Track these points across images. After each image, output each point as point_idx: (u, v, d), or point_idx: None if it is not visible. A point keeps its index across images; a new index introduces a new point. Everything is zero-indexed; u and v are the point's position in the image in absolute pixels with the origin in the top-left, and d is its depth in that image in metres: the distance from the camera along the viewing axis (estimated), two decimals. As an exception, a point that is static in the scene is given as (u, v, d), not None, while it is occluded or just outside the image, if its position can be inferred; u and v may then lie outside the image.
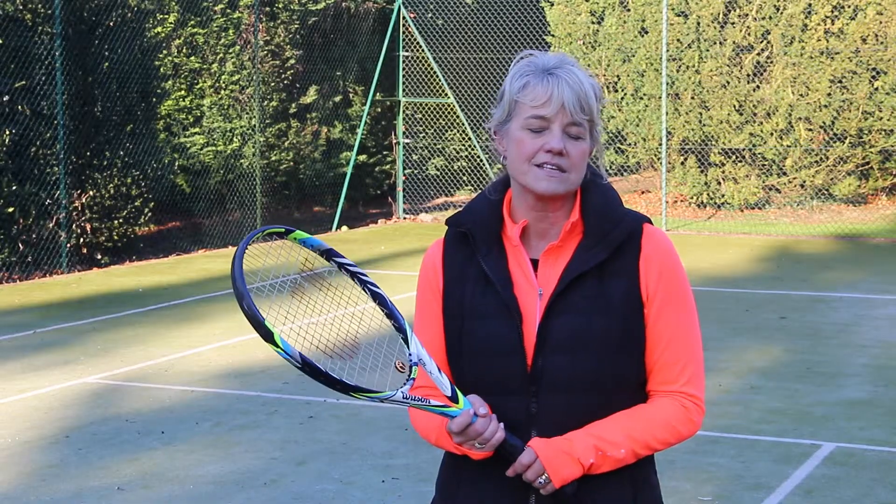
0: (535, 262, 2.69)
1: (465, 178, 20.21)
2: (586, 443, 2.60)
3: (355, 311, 2.73)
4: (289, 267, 2.85)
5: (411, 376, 2.58)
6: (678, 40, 17.89)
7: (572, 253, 2.66)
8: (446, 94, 18.85)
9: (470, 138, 19.32)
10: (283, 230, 2.58)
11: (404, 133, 19.43)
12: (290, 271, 2.85)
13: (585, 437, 2.60)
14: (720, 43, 17.80)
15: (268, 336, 2.46)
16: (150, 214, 15.48)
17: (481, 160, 19.25)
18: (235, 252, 2.52)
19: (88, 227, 14.40)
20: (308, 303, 2.75)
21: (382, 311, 2.63)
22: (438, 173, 19.87)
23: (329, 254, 2.63)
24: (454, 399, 2.56)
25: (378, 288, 2.63)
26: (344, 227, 17.95)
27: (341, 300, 2.73)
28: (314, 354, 2.54)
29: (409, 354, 2.59)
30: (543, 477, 2.58)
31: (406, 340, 2.60)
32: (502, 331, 2.64)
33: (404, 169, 19.35)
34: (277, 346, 2.46)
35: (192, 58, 17.29)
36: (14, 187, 13.57)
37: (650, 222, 2.72)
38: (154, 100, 15.89)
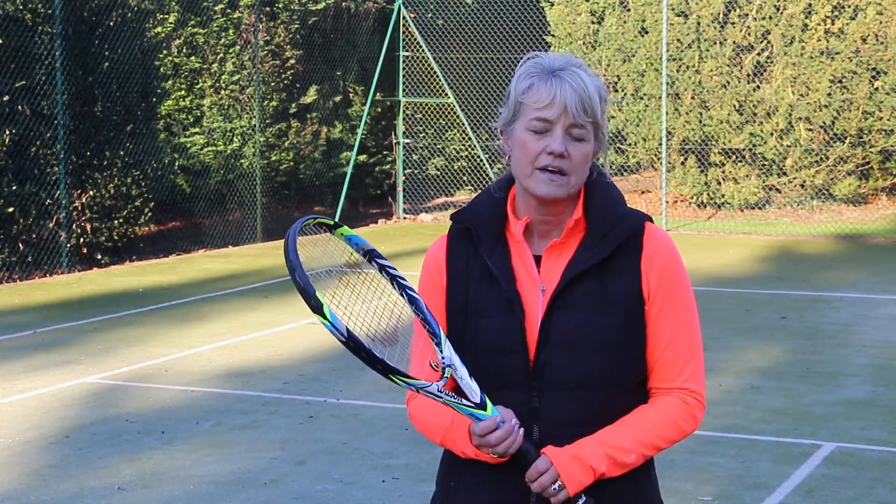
0: (538, 259, 2.70)
1: (465, 178, 20.21)
2: (598, 451, 2.61)
3: (395, 308, 2.75)
4: (335, 257, 2.86)
5: (445, 376, 2.59)
6: (678, 40, 17.89)
7: (575, 250, 2.68)
8: (446, 94, 18.85)
9: (470, 138, 19.32)
10: (333, 223, 2.63)
11: (404, 133, 19.43)
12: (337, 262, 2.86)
13: (596, 444, 2.62)
14: (720, 43, 17.80)
15: (317, 307, 2.47)
16: (150, 214, 15.48)
17: (481, 160, 19.25)
18: (290, 228, 2.55)
19: (88, 227, 14.40)
20: (351, 290, 2.77)
21: (417, 315, 2.64)
22: (438, 173, 19.87)
23: (371, 254, 2.67)
24: (482, 406, 2.57)
25: (415, 292, 2.65)
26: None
27: (383, 293, 2.74)
28: (356, 333, 2.56)
29: (442, 357, 2.60)
30: (557, 484, 2.58)
31: (439, 345, 2.61)
32: (505, 327, 2.65)
33: (404, 169, 19.35)
34: (325, 318, 2.47)
35: (192, 58, 17.29)
36: (14, 187, 13.57)
37: (652, 221, 2.73)
38: (154, 100, 15.89)
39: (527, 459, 2.59)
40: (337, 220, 2.65)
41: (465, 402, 2.57)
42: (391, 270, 2.66)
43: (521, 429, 2.58)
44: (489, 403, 2.58)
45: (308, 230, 2.62)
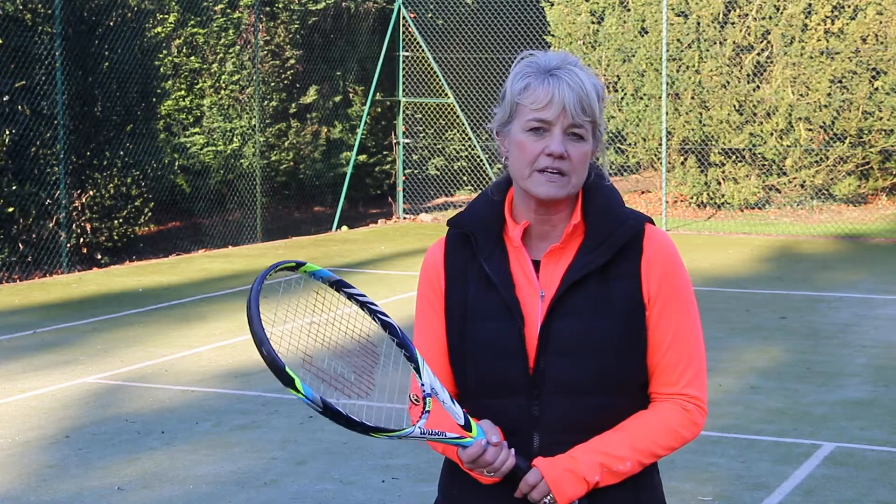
0: (536, 264, 2.66)
1: (465, 178, 20.21)
2: (591, 460, 2.57)
3: (367, 343, 2.70)
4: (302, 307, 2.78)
5: (426, 409, 2.54)
6: (678, 40, 17.88)
7: (574, 255, 2.64)
8: (446, 94, 18.85)
9: (470, 138, 19.32)
10: (294, 264, 2.53)
11: (404, 133, 19.43)
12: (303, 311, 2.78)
13: (590, 453, 2.58)
14: (720, 43, 17.80)
15: (289, 382, 2.42)
16: (150, 214, 15.48)
17: (481, 160, 19.25)
18: (250, 294, 2.46)
19: (88, 227, 14.40)
20: (321, 337, 2.70)
21: (393, 340, 2.58)
22: (438, 173, 19.87)
23: (338, 285, 2.58)
24: (467, 427, 2.54)
25: (388, 317, 2.58)
26: (344, 227, 17.95)
27: (352, 332, 2.68)
28: (332, 394, 2.50)
29: (422, 385, 2.55)
30: (549, 497, 2.56)
31: (418, 370, 2.56)
32: (504, 333, 2.62)
33: (404, 169, 19.35)
34: (299, 391, 2.42)
35: (192, 58, 17.29)
36: (14, 187, 13.57)
37: (652, 223, 2.69)
38: (154, 100, 15.89)
39: (518, 475, 2.57)
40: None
41: (448, 435, 2.53)
42: (360, 298, 2.57)
43: (512, 449, 2.55)
44: (474, 425, 2.54)
45: (273, 276, 2.54)
